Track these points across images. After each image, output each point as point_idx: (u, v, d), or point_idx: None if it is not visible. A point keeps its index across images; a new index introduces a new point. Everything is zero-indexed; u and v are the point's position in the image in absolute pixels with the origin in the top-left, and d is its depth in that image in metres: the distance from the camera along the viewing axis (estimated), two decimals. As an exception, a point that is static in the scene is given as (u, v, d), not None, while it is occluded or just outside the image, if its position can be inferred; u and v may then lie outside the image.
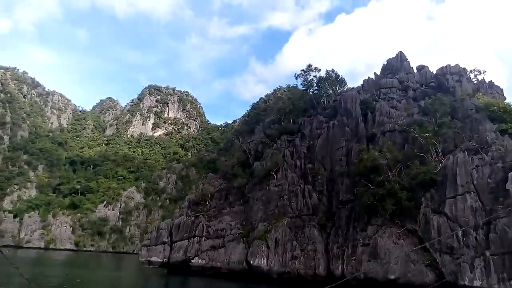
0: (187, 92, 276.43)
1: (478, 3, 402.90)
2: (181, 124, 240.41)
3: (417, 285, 32.02)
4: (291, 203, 44.55)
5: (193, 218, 50.92)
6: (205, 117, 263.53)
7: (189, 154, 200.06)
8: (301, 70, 60.06)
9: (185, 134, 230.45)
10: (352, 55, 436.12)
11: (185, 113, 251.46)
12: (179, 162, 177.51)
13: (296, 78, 60.48)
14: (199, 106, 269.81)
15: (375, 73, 60.35)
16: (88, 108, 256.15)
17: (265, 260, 40.68)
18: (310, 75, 59.02)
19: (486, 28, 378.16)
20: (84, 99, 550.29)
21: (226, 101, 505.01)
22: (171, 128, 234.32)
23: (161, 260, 48.82)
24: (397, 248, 34.14)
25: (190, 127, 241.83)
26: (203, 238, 48.23)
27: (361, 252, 36.12)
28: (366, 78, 59.53)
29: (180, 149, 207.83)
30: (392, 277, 32.63)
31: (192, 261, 46.44)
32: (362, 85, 59.04)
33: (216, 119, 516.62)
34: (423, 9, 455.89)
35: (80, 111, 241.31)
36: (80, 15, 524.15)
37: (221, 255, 45.39)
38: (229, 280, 43.02)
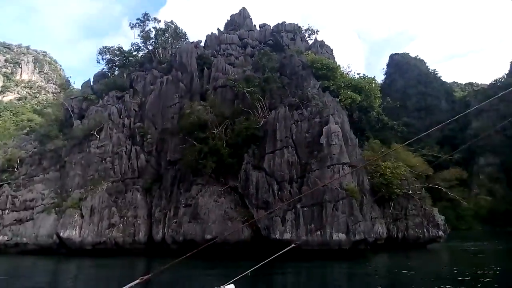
0: (44, 52, 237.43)
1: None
2: (37, 88, 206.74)
3: (233, 243, 30.88)
4: (114, 166, 39.40)
5: (-6, 189, 41.78)
6: (68, 81, 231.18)
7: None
8: (137, 19, 53.54)
9: (42, 99, 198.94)
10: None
11: (42, 76, 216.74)
12: (34, 131, 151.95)
13: (132, 28, 53.80)
14: (60, 69, 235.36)
15: (218, 29, 57.65)
16: None
17: (77, 231, 35.12)
18: (148, 26, 53.15)
19: (349, 8, 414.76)
20: None
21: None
22: (25, 92, 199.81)
23: None
24: (217, 207, 32.40)
25: (48, 91, 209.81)
26: (7, 211, 39.95)
27: (182, 214, 33.54)
28: (210, 33, 56.43)
29: (37, 116, 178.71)
30: (209, 236, 30.83)
31: (-10, 239, 38.09)
32: (205, 40, 55.85)
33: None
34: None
35: None
36: None
37: (28, 229, 38.06)
38: (38, 257, 36.30)
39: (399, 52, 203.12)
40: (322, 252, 28.55)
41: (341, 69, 39.82)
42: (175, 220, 33.57)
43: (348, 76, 38.22)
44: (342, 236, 28.78)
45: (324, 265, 25.89)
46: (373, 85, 38.79)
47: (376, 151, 42.34)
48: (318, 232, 29.10)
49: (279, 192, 31.34)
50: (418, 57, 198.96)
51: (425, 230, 38.11)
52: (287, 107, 34.80)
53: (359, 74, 40.77)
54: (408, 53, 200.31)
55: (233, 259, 28.08)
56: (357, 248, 29.99)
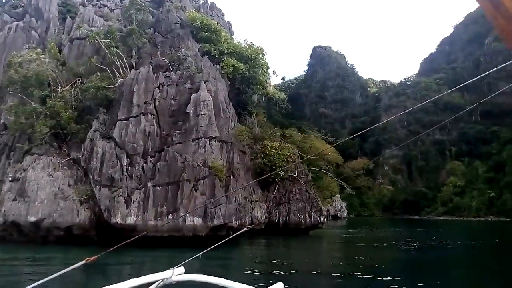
0: None
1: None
2: None
3: (65, 228, 24.79)
4: None
5: None
6: None
7: None
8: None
9: None
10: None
11: None
12: None
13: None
14: None
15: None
16: None
17: None
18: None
19: None
20: None
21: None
22: None
23: None
24: (49, 182, 25.88)
25: None
26: None
27: (7, 190, 26.41)
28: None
29: None
30: (33, 218, 24.35)
31: None
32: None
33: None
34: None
35: None
36: None
37: None
38: None
39: (322, 45, 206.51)
40: (180, 239, 23.77)
41: (225, 34, 35.06)
42: (-2, 198, 26.39)
43: (233, 42, 33.69)
44: (198, 220, 24.21)
45: (174, 255, 21.18)
46: (261, 55, 34.77)
47: (264, 130, 38.76)
48: (170, 216, 24.22)
49: (129, 168, 25.73)
50: (339, 51, 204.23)
51: (307, 216, 35.69)
52: (153, 68, 29.14)
53: (245, 41, 36.33)
54: (330, 47, 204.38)
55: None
56: (218, 234, 25.68)
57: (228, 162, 28.38)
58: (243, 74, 32.58)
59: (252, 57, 33.60)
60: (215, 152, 26.95)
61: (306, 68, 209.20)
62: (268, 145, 35.35)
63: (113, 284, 2.16)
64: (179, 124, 27.49)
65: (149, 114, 27.37)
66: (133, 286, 2.23)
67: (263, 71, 35.96)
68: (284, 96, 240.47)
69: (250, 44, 35.14)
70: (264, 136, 37.57)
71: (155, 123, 27.38)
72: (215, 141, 27.26)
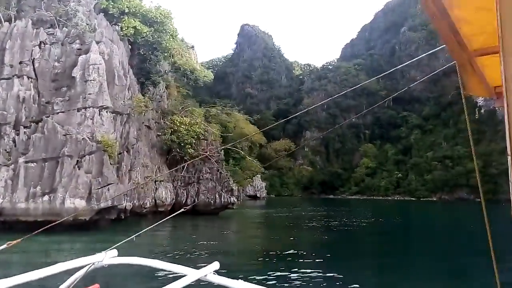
0: None
1: None
2: None
3: None
4: None
5: None
6: None
7: None
8: None
9: None
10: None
11: None
12: None
13: None
14: None
15: None
16: None
17: None
18: None
19: None
20: None
21: None
22: None
23: None
24: None
25: None
26: None
27: None
28: None
29: None
30: None
31: None
32: None
33: None
34: None
35: None
36: None
37: None
38: None
39: (250, 24, 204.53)
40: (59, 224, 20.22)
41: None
42: None
43: (136, 1, 29.72)
44: (80, 202, 20.90)
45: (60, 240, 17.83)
46: (168, 19, 31.37)
47: (174, 104, 35.74)
48: (46, 198, 20.59)
49: (-3, 140, 21.44)
50: (266, 32, 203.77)
51: (217, 196, 33.96)
52: (34, 23, 24.50)
53: (152, 1, 32.43)
54: (258, 26, 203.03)
55: None
56: (106, 218, 22.65)
57: (122, 137, 25.14)
58: (146, 38, 29.05)
59: (159, 20, 30.11)
60: (106, 124, 23.61)
61: (234, 46, 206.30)
62: (177, 120, 32.66)
63: (40, 268, 1.97)
64: (62, 90, 23.55)
65: (25, 77, 22.98)
66: (61, 270, 2.09)
67: (171, 37, 32.64)
68: (211, 74, 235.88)
69: (157, 6, 31.36)
70: (173, 110, 34.75)
71: (32, 88, 23.09)
72: (106, 112, 23.86)
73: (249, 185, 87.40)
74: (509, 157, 1.12)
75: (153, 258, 2.39)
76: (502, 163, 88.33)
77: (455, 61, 2.06)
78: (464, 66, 2.08)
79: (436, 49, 2.84)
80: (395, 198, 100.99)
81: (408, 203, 78.87)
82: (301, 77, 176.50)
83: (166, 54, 32.33)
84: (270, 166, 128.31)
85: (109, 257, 2.47)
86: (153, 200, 28.45)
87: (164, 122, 32.75)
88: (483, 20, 1.57)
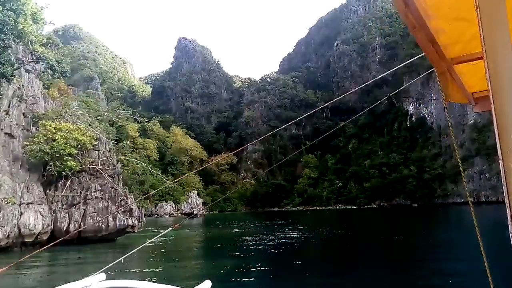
0: None
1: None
2: None
3: None
4: None
5: None
6: None
7: None
8: None
9: None
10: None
11: None
12: None
13: None
14: None
15: None
16: None
17: None
18: None
19: None
20: None
21: None
22: None
23: None
24: None
25: None
26: None
27: None
28: None
29: None
30: None
31: None
32: None
33: None
34: None
35: None
36: None
37: None
38: None
39: (187, 37, 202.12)
40: None
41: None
42: None
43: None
44: None
45: None
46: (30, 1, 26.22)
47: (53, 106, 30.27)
48: None
49: None
50: (205, 46, 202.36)
51: (110, 219, 26.98)
52: None
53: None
54: (195, 40, 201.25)
55: None
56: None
57: None
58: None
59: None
60: None
61: (172, 60, 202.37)
62: (51, 126, 26.37)
63: None
64: None
65: None
66: None
67: (31, 19, 26.98)
68: (149, 89, 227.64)
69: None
70: (53, 115, 28.59)
71: None
72: None
73: (184, 202, 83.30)
74: (500, 162, 1.11)
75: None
76: (434, 168, 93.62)
77: (433, 69, 2.18)
78: (444, 74, 2.21)
79: (416, 57, 3.05)
80: (337, 207, 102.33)
81: (349, 212, 79.65)
82: (241, 89, 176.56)
83: (25, 40, 26.77)
84: (212, 181, 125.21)
85: (97, 281, 2.56)
86: (17, 228, 22.25)
87: (37, 129, 27.20)
88: (459, 30, 1.74)
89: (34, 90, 29.26)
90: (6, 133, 24.41)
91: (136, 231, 29.03)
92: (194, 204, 77.46)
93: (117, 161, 31.62)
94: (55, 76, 30.90)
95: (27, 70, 29.41)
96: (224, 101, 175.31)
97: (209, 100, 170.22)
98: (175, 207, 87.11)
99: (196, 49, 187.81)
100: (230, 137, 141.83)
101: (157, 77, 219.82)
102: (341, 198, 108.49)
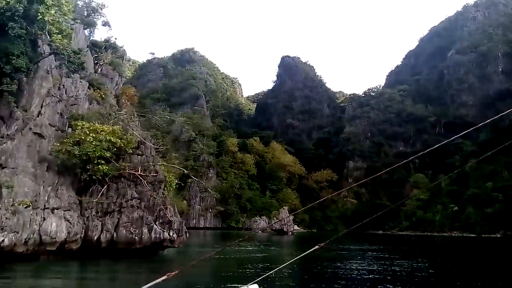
0: None
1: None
2: None
3: None
4: None
5: None
6: None
7: None
8: None
9: None
10: None
11: None
12: None
13: None
14: None
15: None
16: None
17: None
18: None
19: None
20: None
21: None
22: None
23: None
24: None
25: None
26: None
27: None
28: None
29: None
30: None
31: None
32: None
33: None
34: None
35: None
36: None
37: None
38: None
39: (291, 55, 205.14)
40: None
41: None
42: None
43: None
44: None
45: None
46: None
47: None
48: None
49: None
50: (307, 62, 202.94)
51: (145, 231, 24.11)
52: None
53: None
54: (299, 57, 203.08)
55: None
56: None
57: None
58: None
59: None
60: None
61: (275, 78, 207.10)
62: (83, 126, 24.38)
63: None
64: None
65: None
66: None
67: (59, 10, 24.67)
68: (253, 106, 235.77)
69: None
70: (86, 115, 26.82)
71: None
72: None
73: (274, 218, 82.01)
74: None
75: None
76: None
77: None
78: None
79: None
80: (452, 234, 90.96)
81: (466, 240, 69.78)
82: (343, 105, 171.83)
83: (52, 31, 25.10)
84: (311, 198, 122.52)
85: None
86: (38, 236, 20.28)
87: (72, 130, 25.59)
88: None
89: (78, 91, 28.09)
90: (35, 133, 22.61)
91: (176, 245, 26.10)
92: (284, 221, 75.86)
93: (159, 167, 28.56)
94: (71, 68, 27.58)
95: (69, 70, 27.83)
96: (325, 117, 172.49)
97: (310, 116, 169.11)
98: (268, 222, 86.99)
99: (299, 66, 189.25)
100: (330, 153, 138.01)
101: (262, 95, 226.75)
102: (457, 224, 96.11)
